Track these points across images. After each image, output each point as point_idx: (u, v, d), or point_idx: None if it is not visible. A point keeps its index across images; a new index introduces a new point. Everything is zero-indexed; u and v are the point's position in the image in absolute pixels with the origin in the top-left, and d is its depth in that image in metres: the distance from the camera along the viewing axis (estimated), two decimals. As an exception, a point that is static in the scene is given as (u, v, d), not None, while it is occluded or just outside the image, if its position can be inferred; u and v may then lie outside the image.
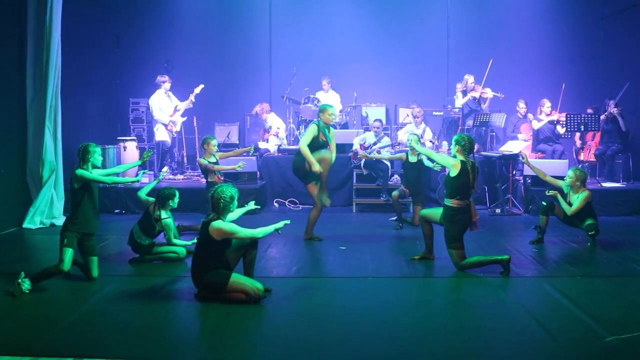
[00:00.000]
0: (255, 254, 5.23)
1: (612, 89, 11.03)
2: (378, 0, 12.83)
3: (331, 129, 7.27)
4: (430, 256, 6.32)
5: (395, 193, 8.38)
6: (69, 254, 5.29)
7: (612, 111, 10.24)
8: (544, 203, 7.28)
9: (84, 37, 10.42)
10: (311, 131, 7.10)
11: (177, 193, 6.46)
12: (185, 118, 10.91)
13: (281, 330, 4.38)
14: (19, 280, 5.09)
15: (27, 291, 5.08)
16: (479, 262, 5.86)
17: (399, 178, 9.63)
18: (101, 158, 5.68)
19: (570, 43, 12.21)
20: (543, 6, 12.39)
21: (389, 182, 9.63)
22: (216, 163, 7.88)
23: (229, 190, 5.00)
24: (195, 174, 10.72)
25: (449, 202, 5.87)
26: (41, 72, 8.19)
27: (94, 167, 5.56)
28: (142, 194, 6.63)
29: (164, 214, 6.31)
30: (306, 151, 6.99)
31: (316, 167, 6.94)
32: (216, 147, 7.95)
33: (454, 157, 5.93)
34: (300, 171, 7.22)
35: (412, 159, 8.43)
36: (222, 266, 4.94)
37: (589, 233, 7.05)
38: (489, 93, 11.13)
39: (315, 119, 7.46)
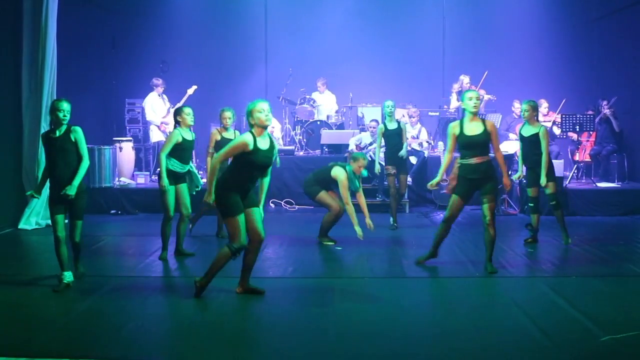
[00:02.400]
0: (256, 257, 5.10)
1: (606, 90, 11.06)
2: (374, 1, 12.85)
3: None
4: (435, 255, 6.19)
5: (392, 198, 8.34)
6: (57, 220, 5.28)
7: (605, 112, 10.27)
8: (531, 205, 7.26)
9: (80, 37, 10.42)
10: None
11: (183, 107, 6.46)
12: None
13: (277, 330, 4.39)
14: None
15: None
16: (489, 243, 5.80)
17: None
18: (61, 114, 5.63)
19: (565, 43, 12.24)
20: (538, 6, 12.43)
21: (385, 183, 9.61)
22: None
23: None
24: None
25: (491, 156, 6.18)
26: (37, 73, 8.17)
27: (59, 122, 5.59)
28: None
29: None
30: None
31: None
32: (231, 120, 7.41)
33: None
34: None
35: (391, 125, 8.34)
36: (240, 188, 4.84)
37: (550, 203, 7.11)
38: (483, 96, 11.16)
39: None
